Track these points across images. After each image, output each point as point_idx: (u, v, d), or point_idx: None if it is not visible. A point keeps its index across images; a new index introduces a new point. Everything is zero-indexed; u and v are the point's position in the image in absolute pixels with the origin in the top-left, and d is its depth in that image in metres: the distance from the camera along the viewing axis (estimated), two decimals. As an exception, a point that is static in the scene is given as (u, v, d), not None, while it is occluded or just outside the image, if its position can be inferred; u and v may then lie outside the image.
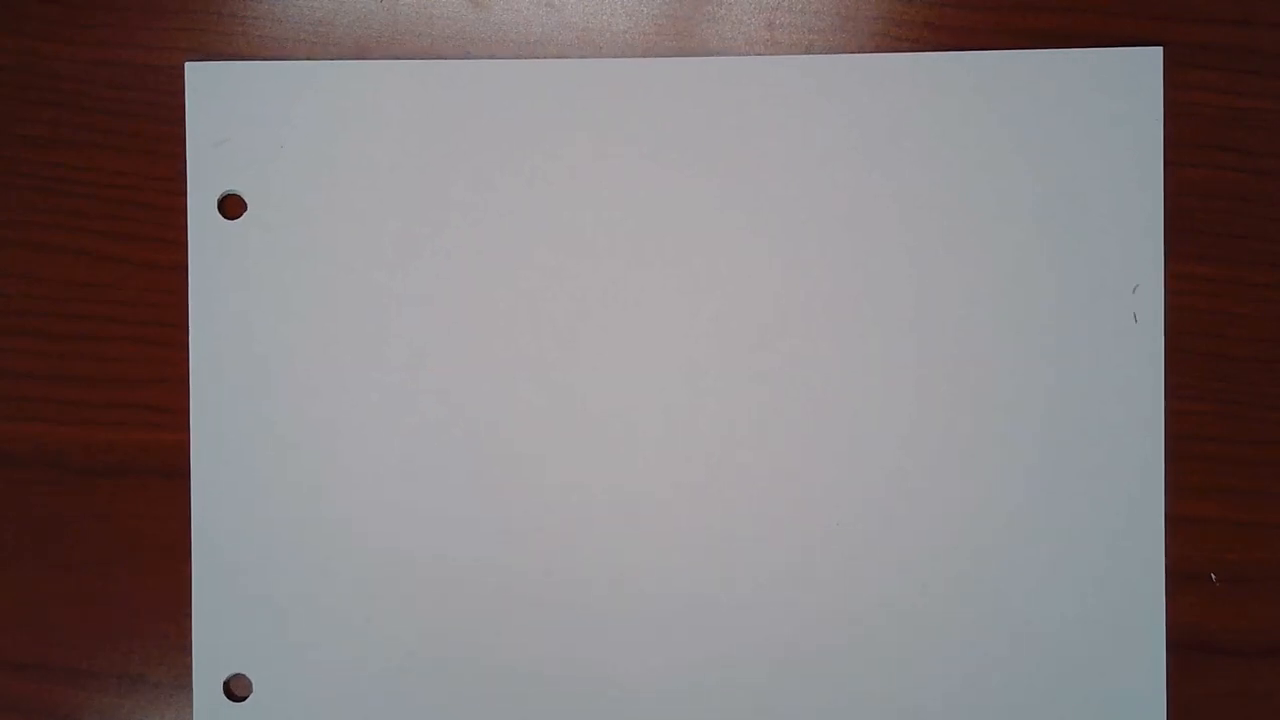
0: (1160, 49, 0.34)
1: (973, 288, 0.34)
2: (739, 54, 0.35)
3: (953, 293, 0.34)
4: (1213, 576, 0.35)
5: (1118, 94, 0.34)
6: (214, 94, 0.34)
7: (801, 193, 0.34)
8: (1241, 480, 0.35)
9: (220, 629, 0.34)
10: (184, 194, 0.35)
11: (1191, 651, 0.35)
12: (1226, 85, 0.35)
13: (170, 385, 0.35)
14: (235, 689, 0.34)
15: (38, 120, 0.35)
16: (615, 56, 0.35)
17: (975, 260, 0.34)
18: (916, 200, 0.34)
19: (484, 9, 0.36)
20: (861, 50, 0.35)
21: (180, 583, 0.35)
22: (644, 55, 0.35)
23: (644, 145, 0.34)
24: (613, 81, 0.35)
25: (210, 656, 0.34)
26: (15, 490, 0.35)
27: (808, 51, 0.35)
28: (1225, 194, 0.35)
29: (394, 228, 0.34)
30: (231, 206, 0.35)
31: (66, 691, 0.35)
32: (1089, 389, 0.34)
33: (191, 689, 0.35)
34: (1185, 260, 0.35)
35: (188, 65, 0.35)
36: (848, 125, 0.34)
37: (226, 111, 0.34)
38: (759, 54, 0.35)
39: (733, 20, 0.35)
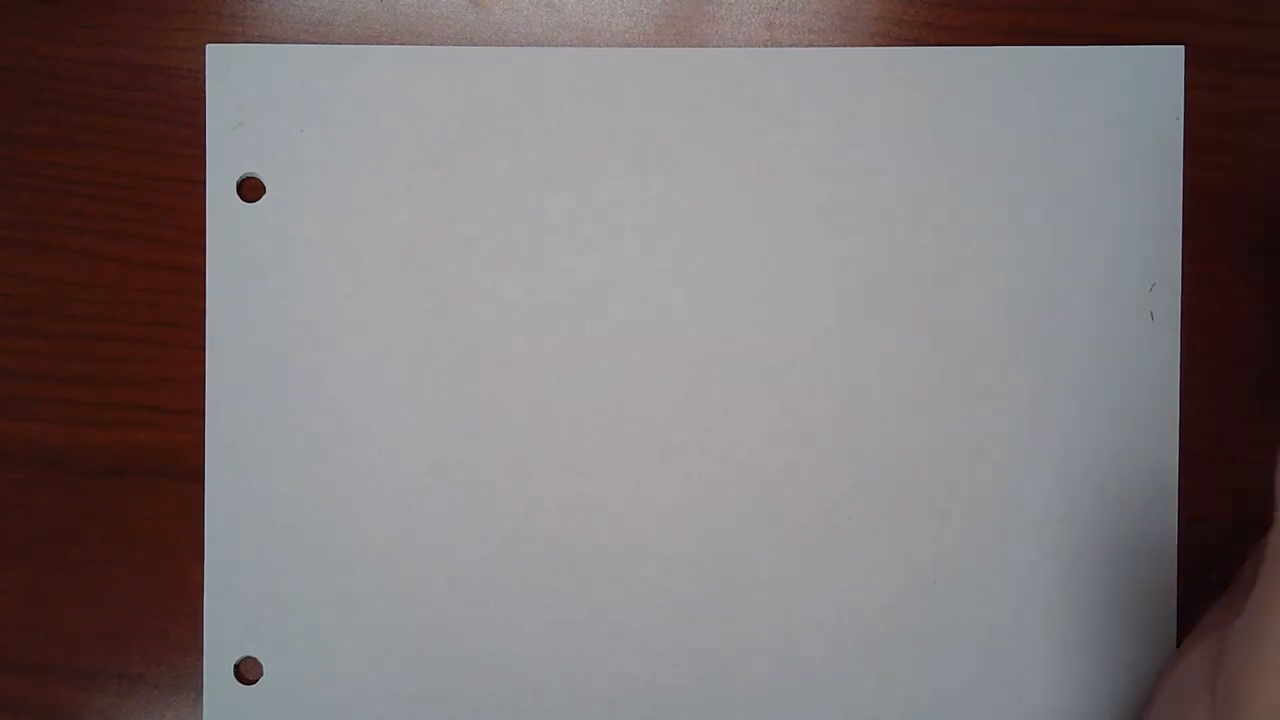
0: (1182, 48, 0.34)
1: (985, 284, 0.34)
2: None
3: (965, 289, 0.34)
4: (1213, 577, 0.35)
5: (1138, 92, 0.34)
6: (234, 77, 0.34)
7: (817, 183, 0.34)
8: (1242, 481, 0.35)
9: (231, 612, 0.34)
10: (185, 194, 0.35)
11: (1192, 651, 0.35)
12: (1226, 85, 0.35)
13: (171, 385, 0.35)
14: (245, 672, 0.34)
15: (38, 120, 0.35)
16: (615, 56, 0.35)
17: (987, 255, 0.34)
18: (931, 195, 0.34)
19: (484, 9, 0.36)
20: (862, 50, 0.35)
21: (181, 582, 0.35)
22: (644, 55, 0.35)
23: (664, 136, 0.34)
24: (632, 71, 0.34)
25: (220, 640, 0.34)
26: (15, 490, 0.35)
27: (808, 51, 0.35)
28: (1225, 194, 0.35)
29: (415, 215, 0.34)
30: (250, 189, 0.35)
31: (66, 691, 0.35)
32: (1105, 386, 0.34)
33: (191, 689, 0.35)
34: (1185, 260, 0.35)
35: (208, 48, 0.35)
36: (863, 119, 0.34)
37: (246, 94, 0.34)
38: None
39: (733, 20, 0.35)
